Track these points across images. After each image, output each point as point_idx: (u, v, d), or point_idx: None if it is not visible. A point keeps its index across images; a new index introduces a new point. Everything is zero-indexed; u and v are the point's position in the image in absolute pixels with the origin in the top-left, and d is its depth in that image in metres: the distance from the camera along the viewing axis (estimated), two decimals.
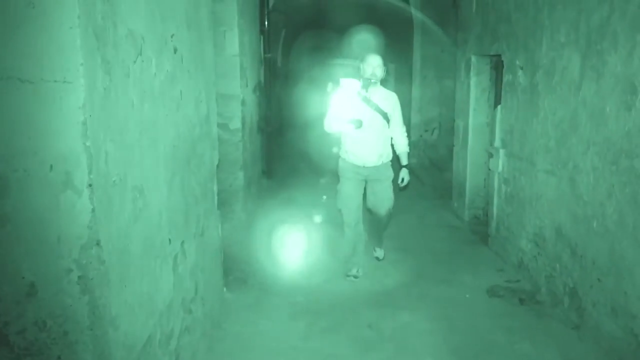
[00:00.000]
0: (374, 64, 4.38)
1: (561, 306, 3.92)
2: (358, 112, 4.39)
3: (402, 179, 4.67)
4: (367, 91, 4.40)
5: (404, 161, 4.69)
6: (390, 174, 4.65)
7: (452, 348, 3.49)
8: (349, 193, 4.60)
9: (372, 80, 4.38)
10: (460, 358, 3.40)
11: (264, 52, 7.60)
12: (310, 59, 15.55)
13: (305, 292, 4.35)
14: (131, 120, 2.05)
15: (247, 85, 5.97)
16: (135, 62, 2.08)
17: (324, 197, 7.02)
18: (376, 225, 5.00)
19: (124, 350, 1.96)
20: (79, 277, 1.71)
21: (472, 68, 6.00)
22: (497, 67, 5.50)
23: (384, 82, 4.63)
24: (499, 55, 5.15)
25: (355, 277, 4.67)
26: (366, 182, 4.65)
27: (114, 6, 1.87)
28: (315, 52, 15.47)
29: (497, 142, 5.19)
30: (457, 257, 5.27)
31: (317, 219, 6.38)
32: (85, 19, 1.63)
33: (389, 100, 4.54)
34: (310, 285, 4.50)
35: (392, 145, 4.69)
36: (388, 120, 4.51)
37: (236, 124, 5.61)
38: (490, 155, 5.33)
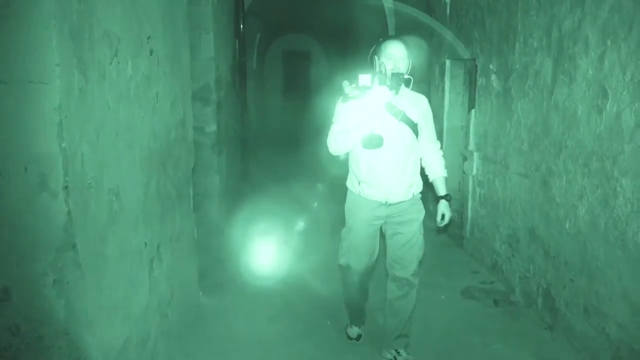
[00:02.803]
0: (397, 55, 2.97)
1: (535, 307, 3.98)
2: (377, 123, 2.96)
3: (443, 216, 3.26)
4: (397, 93, 2.97)
5: (442, 190, 3.27)
6: (422, 212, 3.24)
7: (428, 349, 3.52)
8: (362, 242, 3.23)
9: (405, 77, 2.95)
10: (436, 359, 3.43)
11: (240, 56, 7.57)
12: (285, 63, 15.55)
13: (282, 295, 4.34)
14: (107, 122, 2.03)
15: (222, 89, 5.94)
16: (111, 63, 2.07)
17: (315, 203, 6.97)
18: (396, 304, 3.32)
19: (100, 355, 1.94)
20: (55, 280, 1.68)
21: (446, 72, 6.06)
22: (471, 71, 5.57)
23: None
24: (473, 60, 5.22)
25: (358, 339, 3.63)
26: (384, 225, 3.26)
27: (90, 6, 1.85)
28: (291, 56, 15.47)
29: (472, 146, 5.25)
30: (432, 259, 5.28)
31: (295, 223, 6.36)
32: (61, 18, 1.61)
33: (419, 107, 3.15)
34: (288, 288, 4.48)
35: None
36: (417, 135, 3.13)
37: (212, 127, 5.57)
38: (465, 159, 5.39)
